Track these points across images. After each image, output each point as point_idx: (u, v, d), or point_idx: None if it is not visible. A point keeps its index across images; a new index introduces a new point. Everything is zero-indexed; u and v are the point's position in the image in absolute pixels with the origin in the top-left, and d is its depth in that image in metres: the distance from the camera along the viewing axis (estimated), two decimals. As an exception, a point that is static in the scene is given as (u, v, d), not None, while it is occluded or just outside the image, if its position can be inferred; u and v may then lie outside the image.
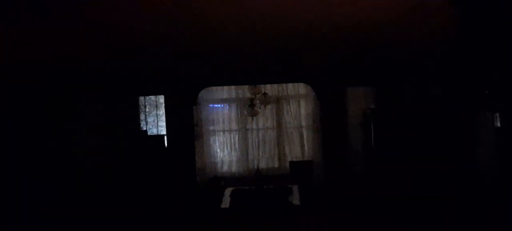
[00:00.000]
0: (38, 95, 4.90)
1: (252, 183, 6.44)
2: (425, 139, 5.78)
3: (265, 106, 7.39)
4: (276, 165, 8.00)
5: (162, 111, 7.15)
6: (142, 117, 7.17)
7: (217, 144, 8.05)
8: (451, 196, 5.08)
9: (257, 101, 6.99)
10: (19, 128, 4.54)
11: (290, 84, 7.88)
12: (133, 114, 7.01)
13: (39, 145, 4.75)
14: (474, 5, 3.57)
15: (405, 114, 6.24)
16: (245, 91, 7.55)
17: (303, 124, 7.95)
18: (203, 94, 7.48)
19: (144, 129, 7.16)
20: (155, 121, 7.22)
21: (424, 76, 5.93)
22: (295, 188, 6.41)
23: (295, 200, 5.92)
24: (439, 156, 5.55)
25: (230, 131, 8.03)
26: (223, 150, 8.07)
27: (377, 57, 6.04)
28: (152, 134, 7.14)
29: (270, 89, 7.64)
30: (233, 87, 7.88)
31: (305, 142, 7.95)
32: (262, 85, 7.12)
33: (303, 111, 7.96)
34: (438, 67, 5.53)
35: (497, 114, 4.36)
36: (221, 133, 8.05)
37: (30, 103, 4.77)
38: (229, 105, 8.07)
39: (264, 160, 8.02)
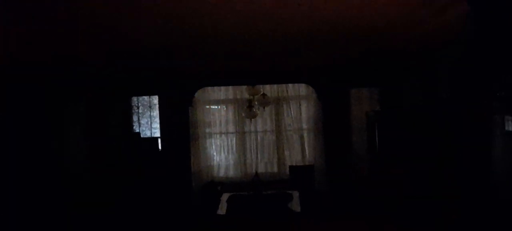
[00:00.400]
0: (38, 95, 5.44)
1: (250, 188, 6.62)
2: (430, 141, 5.96)
3: (264, 108, 7.52)
4: (275, 170, 8.21)
5: (156, 112, 7.30)
6: (135, 118, 7.34)
7: (213, 147, 8.24)
8: (456, 198, 5.60)
9: (256, 103, 7.13)
10: (19, 128, 5.07)
11: (290, 85, 8.04)
12: (126, 115, 7.20)
13: (39, 145, 5.28)
14: (483, 3, 4.02)
15: (409, 116, 6.41)
16: (243, 92, 7.73)
17: (304, 126, 8.12)
18: (199, 95, 7.63)
19: (137, 131, 7.32)
20: (149, 122, 7.39)
21: (429, 77, 6.36)
22: (295, 194, 6.58)
23: (295, 206, 6.09)
24: (444, 159, 6.05)
25: (227, 133, 8.23)
26: (220, 153, 8.27)
27: (381, 57, 6.20)
28: (145, 136, 7.31)
29: (269, 90, 7.78)
30: (230, 87, 8.07)
31: (305, 146, 8.14)
32: (261, 86, 7.25)
33: (303, 113, 8.13)
34: (444, 68, 6.03)
35: (510, 117, 4.89)
36: (218, 136, 8.22)
37: (30, 103, 5.30)
38: (226, 107, 8.27)
39: (263, 164, 8.24)
